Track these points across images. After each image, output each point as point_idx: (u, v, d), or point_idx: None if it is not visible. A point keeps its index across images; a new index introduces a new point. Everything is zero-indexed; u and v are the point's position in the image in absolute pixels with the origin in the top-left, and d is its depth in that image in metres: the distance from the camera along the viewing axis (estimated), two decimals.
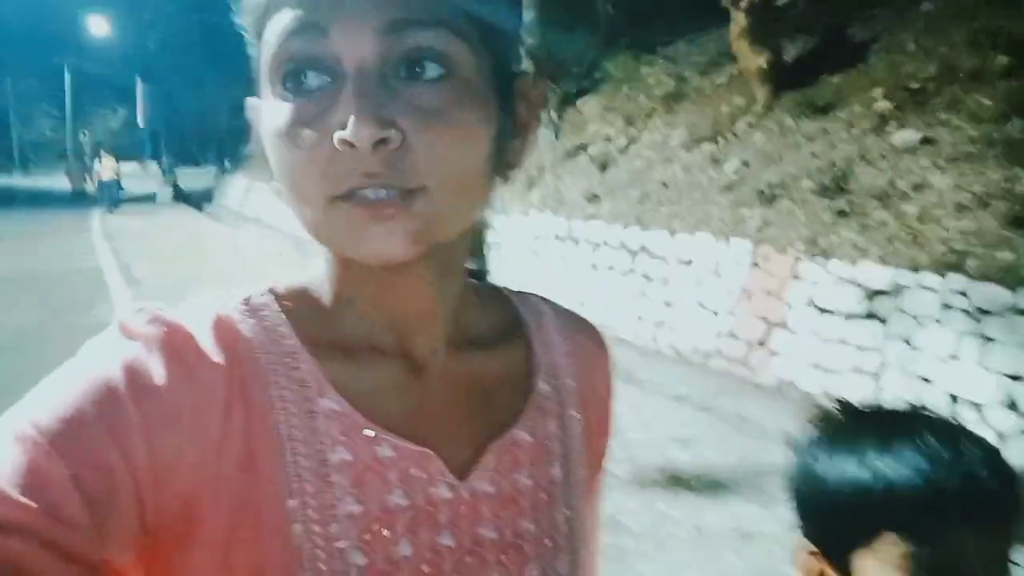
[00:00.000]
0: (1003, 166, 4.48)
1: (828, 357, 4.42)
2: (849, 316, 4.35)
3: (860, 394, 4.16)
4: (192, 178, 24.72)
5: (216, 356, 0.48)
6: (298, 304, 0.53)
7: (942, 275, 3.96)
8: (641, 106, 8.25)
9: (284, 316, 0.52)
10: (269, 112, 0.47)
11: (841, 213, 4.87)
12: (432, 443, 0.52)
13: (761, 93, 6.69)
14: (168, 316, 0.49)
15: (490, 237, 8.07)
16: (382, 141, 0.43)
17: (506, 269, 7.58)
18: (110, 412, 0.43)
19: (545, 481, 0.57)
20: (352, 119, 0.42)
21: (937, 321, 3.92)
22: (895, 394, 4.03)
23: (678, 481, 3.61)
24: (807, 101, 6.30)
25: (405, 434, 0.51)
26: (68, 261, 10.63)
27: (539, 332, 0.62)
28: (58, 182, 27.68)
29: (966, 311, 3.81)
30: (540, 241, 7.17)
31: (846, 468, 0.75)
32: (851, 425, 0.79)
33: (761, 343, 4.87)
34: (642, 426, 4.11)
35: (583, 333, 0.65)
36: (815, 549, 0.78)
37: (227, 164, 22.70)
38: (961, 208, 4.37)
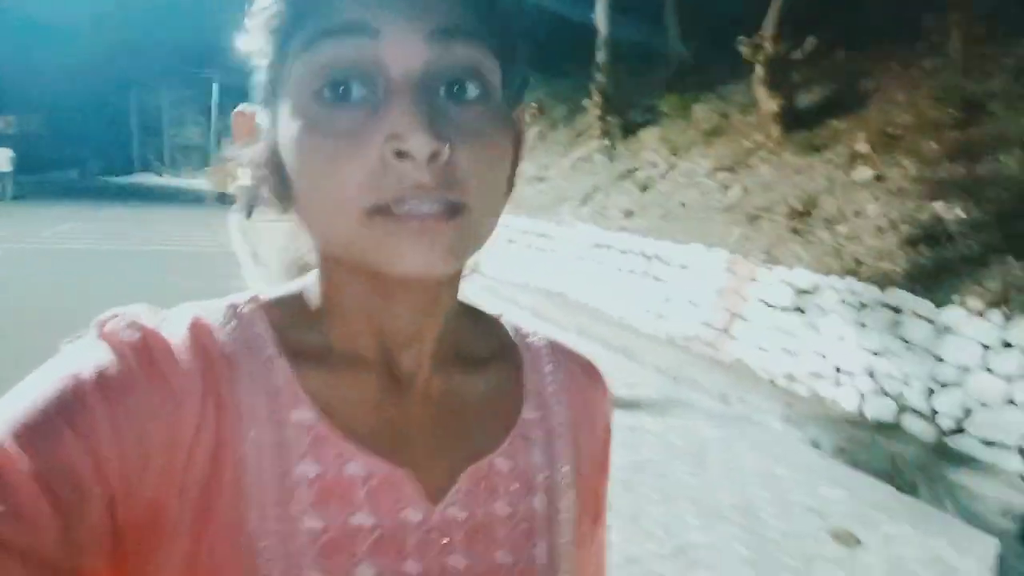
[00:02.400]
0: (921, 199, 5.74)
1: (767, 340, 5.79)
2: (783, 309, 5.71)
3: (784, 368, 5.54)
4: None
5: (190, 362, 0.47)
6: (283, 312, 0.53)
7: (843, 278, 5.29)
8: (688, 138, 9.68)
9: (266, 324, 0.52)
10: (294, 123, 0.46)
11: (794, 231, 6.22)
12: (407, 462, 0.51)
13: (774, 132, 8.04)
14: (145, 321, 0.48)
15: (543, 243, 9.65)
16: (435, 154, 0.43)
17: (556, 271, 9.18)
18: (81, 417, 0.43)
19: (526, 512, 0.55)
20: (411, 129, 0.42)
21: (833, 312, 5.25)
22: (804, 367, 5.37)
23: (624, 404, 5.10)
24: (807, 141, 7.62)
25: (379, 451, 0.50)
26: (215, 243, 13.07)
27: (531, 360, 0.61)
28: (202, 183, 31.13)
29: (852, 305, 5.13)
30: (583, 248, 8.71)
31: None
32: None
33: (725, 330, 6.27)
34: (626, 385, 5.62)
35: (579, 368, 0.64)
36: None
37: None
38: (879, 230, 5.67)
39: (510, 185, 0.53)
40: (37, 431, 0.42)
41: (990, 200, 5.31)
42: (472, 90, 0.46)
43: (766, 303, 5.91)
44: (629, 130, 10.90)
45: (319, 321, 0.53)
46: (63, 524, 0.41)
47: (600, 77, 11.10)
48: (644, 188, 9.07)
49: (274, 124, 0.49)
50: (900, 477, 4.14)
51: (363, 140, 0.44)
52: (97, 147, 42.33)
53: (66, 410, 0.43)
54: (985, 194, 5.39)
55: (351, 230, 0.45)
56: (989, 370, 4.19)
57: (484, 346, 0.60)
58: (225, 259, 11.42)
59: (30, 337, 6.40)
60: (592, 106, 10.88)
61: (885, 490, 3.99)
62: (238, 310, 0.52)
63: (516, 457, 0.56)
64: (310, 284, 0.54)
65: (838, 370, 5.12)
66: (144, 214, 20.29)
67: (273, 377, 0.50)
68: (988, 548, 3.35)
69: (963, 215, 5.32)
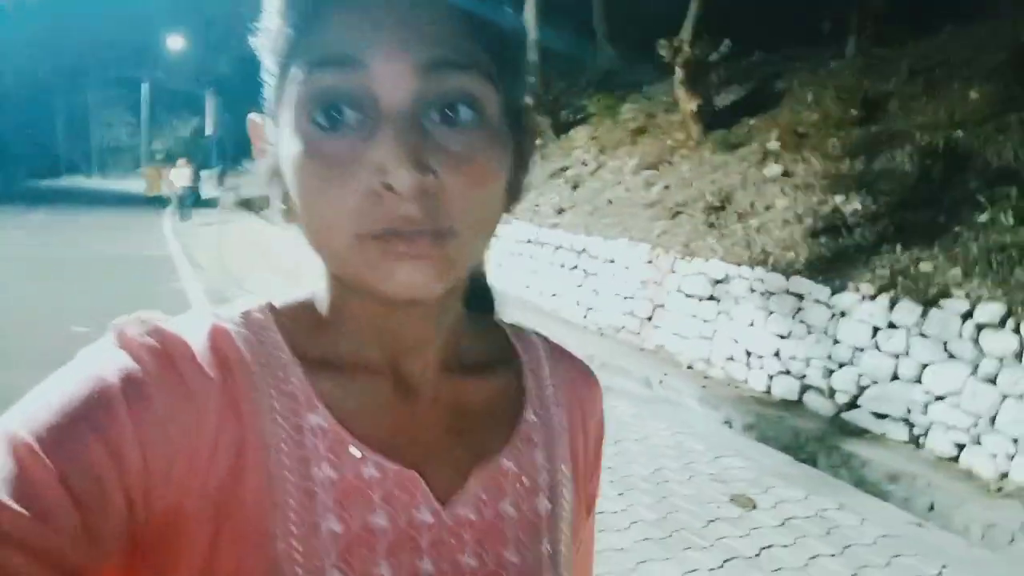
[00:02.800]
0: (824, 193, 6.17)
1: (686, 327, 6.15)
2: (700, 299, 6.08)
3: (701, 353, 5.91)
4: (253, 185, 27.11)
5: (210, 368, 0.48)
6: (294, 320, 0.55)
7: (752, 268, 5.68)
8: (616, 137, 10.05)
9: (279, 331, 0.53)
10: (293, 143, 0.47)
11: (711, 225, 6.61)
12: (418, 465, 0.52)
13: (694, 131, 8.46)
14: (165, 327, 0.50)
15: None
16: (420, 187, 0.44)
17: (491, 266, 9.42)
18: (104, 419, 0.44)
19: (530, 512, 0.57)
20: (395, 164, 0.43)
21: (745, 300, 5.64)
22: (719, 351, 5.75)
23: None
24: (725, 140, 8.05)
25: (391, 454, 0.52)
26: (145, 249, 12.93)
27: (531, 364, 0.63)
28: (133, 185, 30.47)
29: (761, 293, 5.52)
30: (517, 244, 9.00)
31: None
32: None
33: (648, 319, 6.62)
34: None
35: (576, 370, 0.66)
36: None
37: None
38: (785, 223, 6.08)
39: (512, 198, 0.54)
40: (62, 434, 0.43)
41: (884, 193, 5.77)
42: (465, 114, 0.47)
43: (684, 293, 6.27)
44: (560, 130, 11.24)
45: (328, 328, 0.55)
46: (85, 528, 0.42)
47: (530, 78, 11.37)
48: (575, 186, 9.40)
49: (278, 139, 0.50)
50: (801, 449, 4.52)
51: (353, 168, 0.45)
52: (20, 150, 40.98)
53: (90, 414, 0.44)
54: (879, 187, 5.85)
55: (343, 252, 0.47)
56: (879, 349, 4.61)
57: (487, 351, 0.62)
58: (161, 262, 11.36)
59: None
60: None
61: (785, 460, 4.37)
62: (253, 316, 0.53)
63: (520, 458, 0.58)
64: (318, 291, 0.56)
65: (748, 353, 5.51)
66: (74, 218, 19.82)
67: (289, 383, 0.51)
68: (869, 507, 3.73)
69: (859, 207, 5.76)
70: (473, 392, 0.59)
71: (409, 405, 0.55)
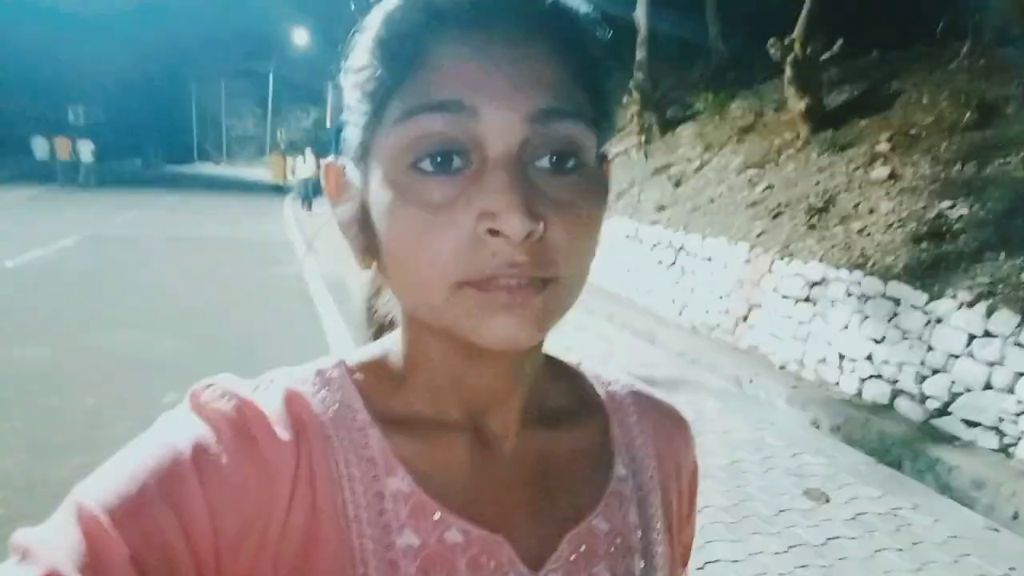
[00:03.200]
0: (931, 198, 6.10)
1: (780, 328, 6.23)
2: (796, 300, 6.14)
3: (794, 354, 5.98)
4: None
5: (285, 433, 0.48)
6: (369, 377, 0.54)
7: (850, 271, 5.71)
8: (722, 135, 10.07)
9: (355, 391, 0.52)
10: (389, 189, 0.46)
11: (811, 227, 6.63)
12: (502, 528, 0.51)
13: (802, 131, 8.42)
14: (240, 391, 0.49)
15: None
16: (530, 234, 0.43)
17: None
18: (175, 491, 0.44)
19: (625, 573, 0.55)
20: (507, 210, 0.43)
21: (840, 303, 5.67)
22: (812, 353, 5.81)
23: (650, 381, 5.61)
24: (833, 140, 7.98)
25: (474, 517, 0.50)
26: (268, 233, 13.89)
27: (617, 412, 0.61)
28: (258, 173, 32.28)
29: (858, 296, 5.55)
30: (615, 239, 9.20)
31: None
32: None
33: (744, 318, 6.72)
34: (643, 366, 6.13)
35: (663, 415, 0.64)
36: None
37: None
38: (888, 227, 6.06)
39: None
40: (134, 508, 0.42)
41: (992, 200, 5.66)
42: (570, 161, 0.46)
43: (781, 294, 6.34)
44: (666, 127, 11.33)
45: (404, 385, 0.54)
46: None
47: (640, 75, 11.52)
48: (677, 183, 9.51)
49: (365, 184, 0.49)
50: (887, 452, 4.57)
51: (456, 214, 0.44)
52: (158, 137, 44.09)
53: (163, 486, 0.43)
54: (988, 194, 5.74)
55: (439, 301, 0.46)
56: (973, 357, 4.59)
57: (568, 400, 0.60)
58: (280, 246, 12.20)
59: (115, 313, 7.20)
60: (631, 104, 11.31)
61: (867, 461, 4.44)
62: (327, 377, 0.53)
63: (612, 518, 0.56)
64: (393, 346, 0.55)
65: (841, 356, 5.55)
66: (204, 202, 21.36)
67: (368, 446, 0.50)
68: (945, 509, 3.79)
69: (965, 213, 5.68)
70: (558, 446, 0.57)
71: (491, 463, 0.53)
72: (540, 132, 0.45)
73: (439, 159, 0.45)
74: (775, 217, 7.23)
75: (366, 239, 0.51)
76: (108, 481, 0.44)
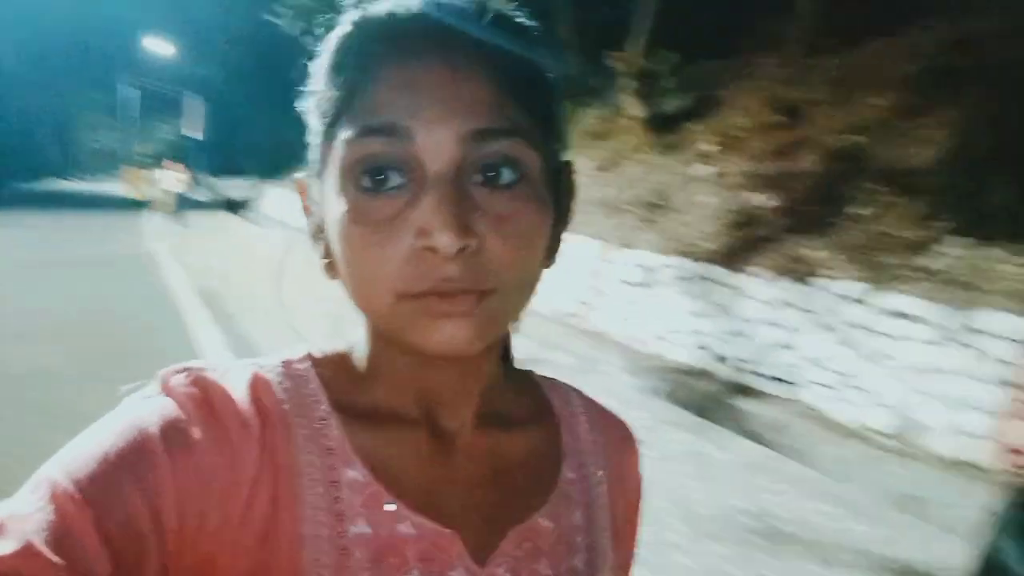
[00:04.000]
0: (742, 190, 7.11)
1: (623, 311, 7.08)
2: (634, 285, 7.01)
3: (634, 332, 6.83)
4: (235, 187, 27.92)
5: (251, 419, 0.50)
6: (333, 370, 0.56)
7: (676, 257, 6.61)
8: (577, 141, 10.97)
9: (318, 383, 0.54)
10: (338, 205, 0.49)
11: (647, 220, 7.54)
12: (453, 522, 0.53)
13: (642, 136, 9.40)
14: (208, 376, 0.51)
15: None
16: (463, 250, 0.46)
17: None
18: (143, 468, 0.45)
19: (567, 572, 0.57)
20: (438, 227, 0.45)
21: (668, 285, 6.57)
22: (649, 330, 6.67)
23: None
24: (668, 144, 8.99)
25: (427, 511, 0.52)
26: (131, 248, 13.82)
27: (568, 419, 0.64)
28: (117, 188, 31.18)
29: (681, 278, 6.45)
30: None
31: None
32: None
33: (593, 305, 7.55)
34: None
35: (612, 426, 0.67)
36: None
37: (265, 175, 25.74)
38: (707, 217, 7.02)
39: (551, 254, 0.56)
40: (101, 482, 0.44)
41: (791, 190, 6.71)
42: (507, 176, 0.48)
43: (622, 281, 7.20)
44: None
45: (366, 380, 0.56)
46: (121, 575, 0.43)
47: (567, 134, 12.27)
48: None
49: (322, 200, 0.52)
50: (701, 406, 5.44)
51: (396, 231, 0.47)
52: (5, 154, 41.65)
53: (130, 463, 0.45)
54: (789, 186, 6.79)
55: (384, 310, 0.49)
56: (768, 322, 5.54)
57: (522, 405, 0.63)
58: (144, 260, 12.23)
59: None
60: None
61: (684, 415, 5.29)
62: (292, 367, 0.55)
63: (558, 517, 0.58)
64: (357, 344, 0.57)
65: (670, 331, 6.44)
66: (62, 220, 20.62)
67: (327, 436, 0.52)
68: (743, 447, 4.65)
69: (769, 203, 6.70)
70: (510, 447, 0.59)
71: (446, 460, 0.56)
72: (474, 151, 0.47)
73: (380, 179, 0.48)
74: (619, 214, 8.12)
75: (325, 248, 0.54)
76: (78, 457, 0.45)
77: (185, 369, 0.52)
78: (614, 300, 7.23)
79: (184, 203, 18.94)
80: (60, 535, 0.42)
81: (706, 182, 7.69)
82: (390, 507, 0.51)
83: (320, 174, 0.53)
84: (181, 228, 18.06)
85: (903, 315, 4.67)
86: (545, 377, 0.68)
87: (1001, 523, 0.82)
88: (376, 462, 0.53)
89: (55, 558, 0.41)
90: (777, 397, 5.29)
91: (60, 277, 10.54)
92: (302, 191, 0.57)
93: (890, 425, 4.55)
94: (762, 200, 6.78)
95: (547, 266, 0.55)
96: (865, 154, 6.60)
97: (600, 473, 0.63)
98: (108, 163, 46.76)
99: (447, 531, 0.53)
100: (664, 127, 9.33)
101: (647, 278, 6.90)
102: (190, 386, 0.50)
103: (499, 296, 0.48)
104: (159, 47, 37.56)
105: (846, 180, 6.44)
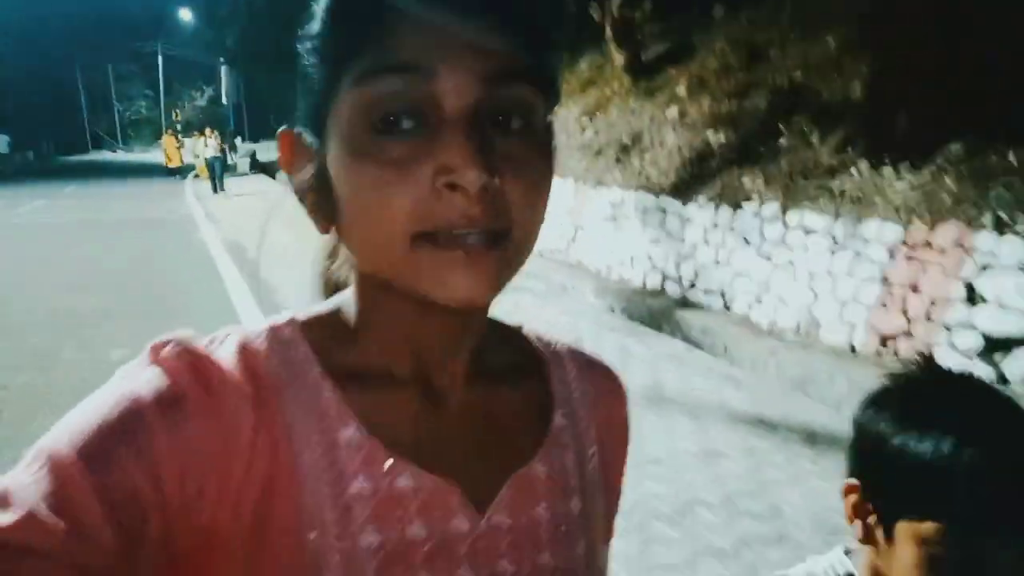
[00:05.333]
0: (703, 130, 7.81)
1: (596, 243, 7.90)
2: (604, 219, 7.82)
3: (605, 262, 7.65)
4: (268, 150, 28.93)
5: (243, 387, 0.50)
6: (321, 332, 0.56)
7: (636, 192, 7.39)
8: (570, 87, 11.66)
9: (307, 346, 0.55)
10: (347, 148, 0.49)
11: (618, 160, 8.30)
12: (450, 474, 0.54)
13: (624, 82, 10.07)
14: (197, 346, 0.52)
15: None
16: (486, 187, 0.46)
17: None
18: (141, 438, 0.46)
19: (563, 514, 0.60)
20: (463, 165, 0.45)
21: (631, 218, 7.36)
22: (615, 259, 7.49)
23: None
24: (646, 88, 9.66)
25: (424, 465, 0.53)
26: (171, 211, 14.96)
27: (556, 368, 0.65)
28: (156, 156, 32.54)
29: (641, 210, 7.24)
30: None
31: (912, 440, 0.78)
32: (928, 393, 0.83)
33: (572, 239, 8.38)
34: None
35: (599, 372, 0.69)
36: (859, 485, 0.86)
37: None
38: (669, 155, 7.76)
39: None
40: (101, 452, 0.45)
41: (742, 127, 7.40)
42: (517, 122, 0.49)
43: (596, 216, 8.01)
44: None
45: (356, 340, 0.57)
46: (122, 544, 0.43)
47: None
48: None
49: (322, 147, 0.52)
50: (653, 321, 6.28)
51: (413, 170, 0.47)
52: (49, 128, 43.31)
53: (128, 433, 0.46)
54: (740, 123, 7.48)
55: (397, 256, 0.48)
56: (707, 244, 6.32)
57: (511, 358, 0.64)
58: (186, 220, 13.34)
59: (38, 292, 8.36)
60: None
61: (639, 327, 6.14)
62: (279, 333, 0.55)
63: (552, 463, 0.60)
64: (346, 303, 0.58)
65: (632, 259, 7.26)
66: (105, 189, 21.97)
67: (320, 398, 0.53)
68: (678, 349, 5.50)
69: (723, 140, 7.41)
70: (501, 399, 0.61)
71: (439, 415, 0.57)
72: (494, 93, 0.48)
73: (398, 118, 0.47)
74: (597, 155, 8.88)
75: (324, 203, 0.53)
76: (76, 429, 0.46)
77: (174, 340, 0.52)
78: (590, 234, 8.05)
79: (220, 168, 19.47)
80: (62, 504, 0.43)
81: (672, 123, 8.40)
82: (388, 463, 0.52)
83: (316, 122, 0.52)
84: (218, 192, 18.86)
85: (811, 230, 5.42)
86: (531, 330, 0.69)
87: (871, 397, 0.87)
88: (371, 421, 0.53)
89: (59, 525, 0.42)
90: (711, 308, 6.11)
91: (111, 236, 11.72)
92: (287, 144, 0.56)
93: (795, 323, 5.34)
94: (715, 137, 7.49)
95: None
96: (805, 91, 7.25)
97: (589, 421, 0.65)
98: (148, 132, 48.30)
99: (445, 482, 0.54)
100: (643, 73, 9.98)
101: (615, 212, 7.70)
102: (181, 356, 0.50)
103: (512, 244, 0.49)
104: (189, 16, 38.54)
105: (784, 115, 7.11)
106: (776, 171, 6.28)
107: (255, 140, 31.55)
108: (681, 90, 9.01)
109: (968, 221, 4.52)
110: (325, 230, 0.55)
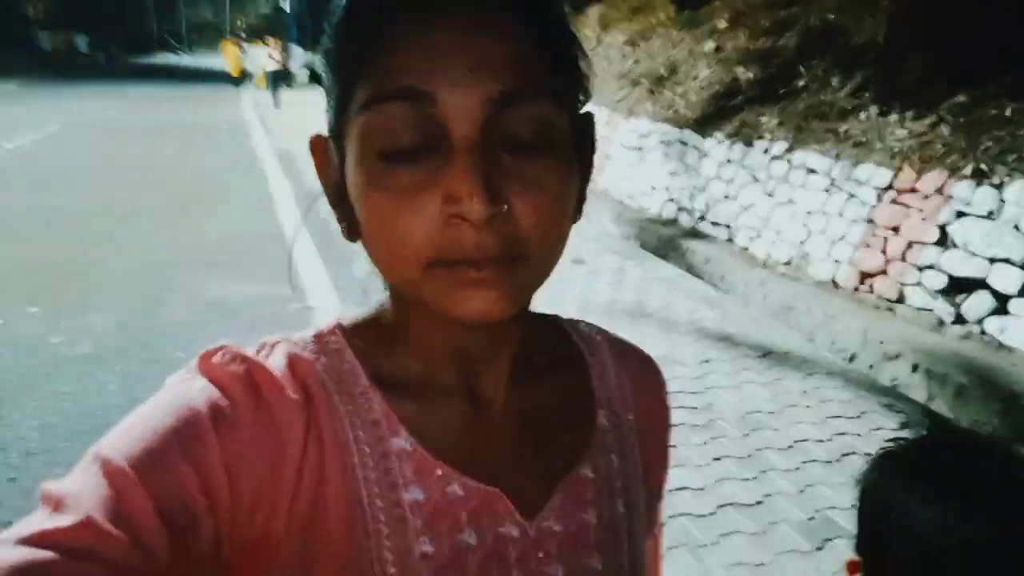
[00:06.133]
0: (734, 65, 8.01)
1: (622, 172, 8.26)
2: (631, 149, 8.15)
3: (628, 190, 8.03)
4: None
5: (293, 396, 0.51)
6: (365, 341, 0.57)
7: (661, 123, 7.70)
8: (617, 15, 11.78)
9: (353, 355, 0.56)
10: (359, 173, 0.49)
11: (651, 92, 8.56)
12: (498, 481, 0.55)
13: (670, 11, 10.19)
14: (248, 355, 0.52)
15: None
16: (492, 217, 0.45)
17: None
18: (195, 448, 0.46)
19: (610, 517, 0.60)
20: (468, 195, 0.45)
21: (655, 149, 7.69)
22: (638, 188, 7.86)
23: None
24: (689, 20, 9.78)
25: (472, 472, 0.54)
26: (226, 117, 15.65)
27: (596, 366, 0.66)
28: (219, 61, 33.21)
29: (665, 143, 7.56)
30: None
31: (920, 531, 0.74)
32: (938, 472, 0.77)
33: (600, 169, 8.74)
34: None
35: (638, 363, 0.69)
36: (860, 562, 0.82)
37: None
38: (700, 89, 8.00)
39: (579, 207, 0.55)
40: (155, 462, 0.45)
41: (767, 64, 7.59)
42: (534, 139, 0.48)
43: (623, 146, 8.34)
44: (577, 7, 12.98)
45: (399, 347, 0.57)
46: (176, 554, 0.44)
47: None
48: None
49: (342, 164, 0.52)
50: (660, 248, 6.70)
51: (423, 199, 0.46)
52: (118, 29, 44.25)
53: (180, 440, 0.46)
54: (768, 60, 7.66)
55: (412, 279, 0.49)
56: (720, 178, 6.66)
57: (550, 356, 0.64)
58: (239, 126, 14.00)
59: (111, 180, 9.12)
60: None
61: (641, 254, 6.57)
62: (326, 341, 0.56)
63: (598, 466, 0.61)
64: (385, 310, 0.58)
65: (653, 188, 7.62)
66: (167, 91, 22.78)
67: (370, 408, 0.54)
68: (674, 275, 5.93)
69: (751, 76, 7.62)
70: (543, 402, 0.61)
71: (485, 421, 0.58)
72: (501, 114, 0.47)
73: (404, 145, 0.47)
74: (634, 85, 9.14)
75: (348, 215, 0.53)
76: (129, 437, 0.47)
77: (224, 349, 0.53)
78: (617, 163, 8.40)
79: (279, 76, 19.45)
80: (117, 510, 0.43)
81: (707, 57, 8.59)
82: (439, 472, 0.53)
83: (337, 135, 0.52)
84: (274, 99, 19.05)
85: (813, 170, 5.73)
86: (569, 320, 0.69)
87: (876, 462, 0.86)
88: (420, 430, 0.54)
89: (116, 531, 0.42)
90: (717, 239, 6.49)
91: (164, 138, 12.43)
92: (318, 151, 0.56)
93: (787, 257, 5.72)
94: (744, 74, 7.71)
95: (575, 221, 0.55)
96: (835, 32, 7.39)
97: (630, 417, 0.65)
98: (209, 37, 48.96)
99: (494, 489, 0.55)
100: (689, 3, 10.08)
101: (641, 143, 8.02)
102: (232, 365, 0.52)
103: (529, 263, 0.49)
104: None
105: (810, 55, 7.28)
106: (793, 111, 6.53)
107: (315, 49, 31.79)
108: (721, 23, 9.14)
109: (953, 170, 4.80)
110: (351, 239, 0.55)
